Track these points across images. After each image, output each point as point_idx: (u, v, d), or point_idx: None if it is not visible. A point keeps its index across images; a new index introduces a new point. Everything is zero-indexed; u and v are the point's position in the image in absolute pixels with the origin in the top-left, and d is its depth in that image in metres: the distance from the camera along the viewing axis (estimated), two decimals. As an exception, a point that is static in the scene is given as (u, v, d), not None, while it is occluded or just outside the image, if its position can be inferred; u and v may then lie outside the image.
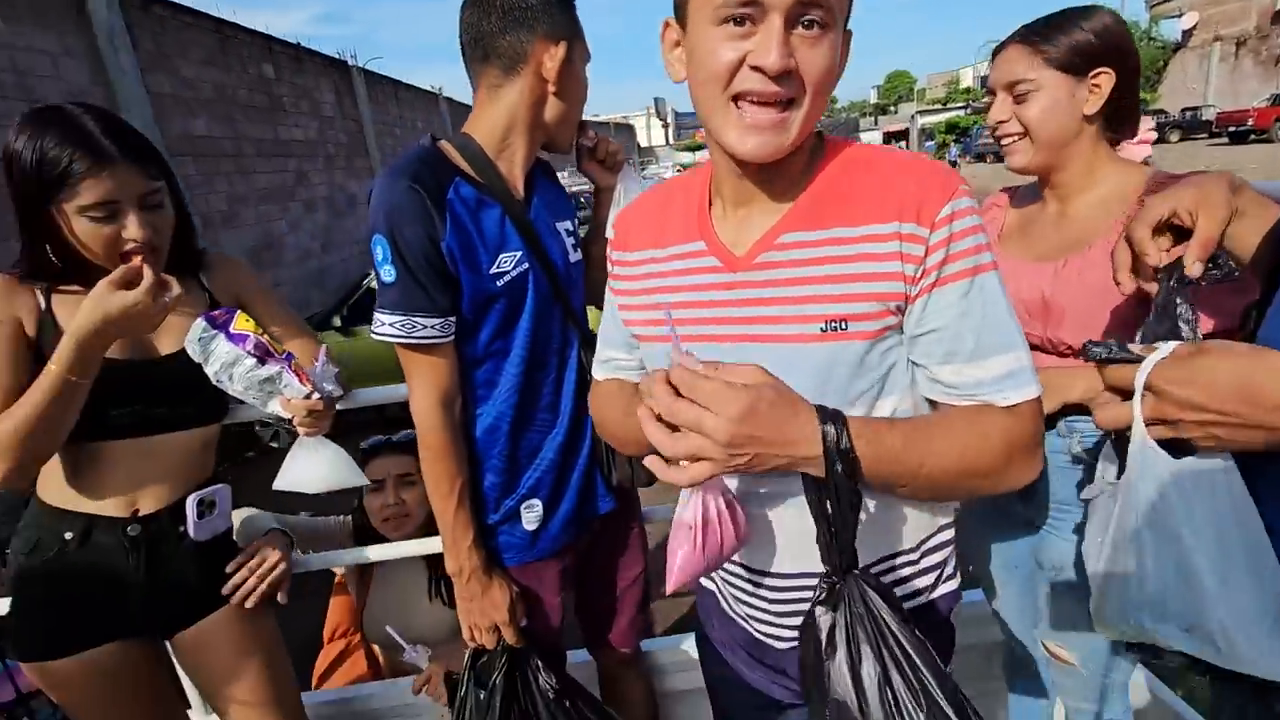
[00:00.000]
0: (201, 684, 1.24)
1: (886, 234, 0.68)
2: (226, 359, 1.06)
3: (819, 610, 0.68)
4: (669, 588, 0.69)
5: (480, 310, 1.04)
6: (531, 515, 1.13)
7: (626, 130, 43.31)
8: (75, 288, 1.06)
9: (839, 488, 0.64)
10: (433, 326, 1.01)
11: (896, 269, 0.68)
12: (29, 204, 0.99)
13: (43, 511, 1.09)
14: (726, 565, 0.85)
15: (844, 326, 0.70)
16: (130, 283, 0.99)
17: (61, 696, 1.12)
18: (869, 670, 0.65)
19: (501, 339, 1.07)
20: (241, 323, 1.08)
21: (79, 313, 0.98)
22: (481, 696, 1.15)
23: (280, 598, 1.26)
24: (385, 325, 1.02)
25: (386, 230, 0.98)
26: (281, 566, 1.24)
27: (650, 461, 0.63)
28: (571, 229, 1.17)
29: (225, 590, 1.19)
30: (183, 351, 1.09)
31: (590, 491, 1.19)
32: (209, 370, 1.07)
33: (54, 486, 1.08)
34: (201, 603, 1.18)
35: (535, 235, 1.07)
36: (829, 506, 0.65)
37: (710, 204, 0.80)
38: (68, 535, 1.07)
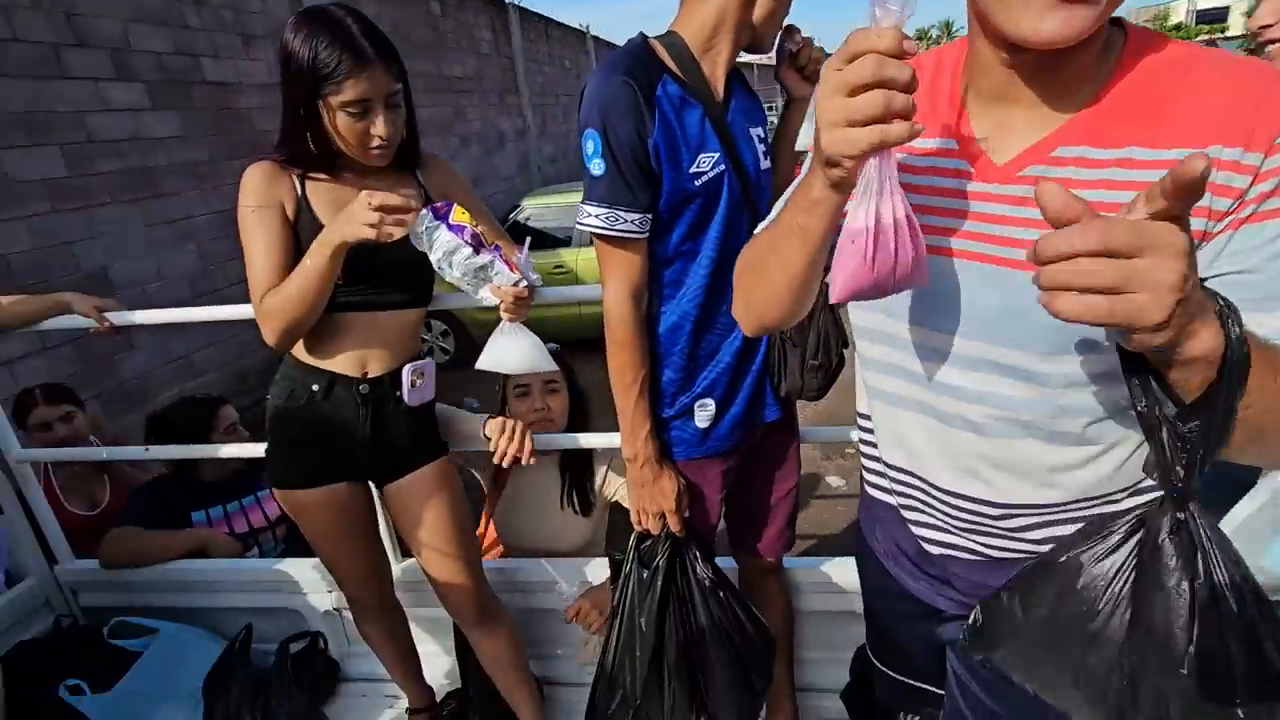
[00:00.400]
0: (403, 529, 1.43)
1: None
2: (448, 247, 1.18)
3: (1168, 542, 0.59)
4: (834, 297, 0.63)
5: (676, 210, 1.08)
6: (704, 414, 1.19)
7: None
8: (322, 175, 1.21)
9: (1233, 377, 0.50)
10: (632, 221, 1.06)
11: (1203, 204, 0.56)
12: (300, 97, 1.13)
13: (296, 367, 1.29)
14: (907, 479, 0.83)
15: None
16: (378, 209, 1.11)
17: (301, 521, 1.36)
18: (1231, 615, 0.57)
19: (692, 240, 1.11)
20: (459, 214, 1.19)
21: (336, 221, 1.12)
22: (644, 575, 1.25)
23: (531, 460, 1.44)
24: (589, 216, 1.08)
25: (600, 124, 1.03)
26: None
27: (1056, 300, 0.47)
28: (763, 135, 1.17)
29: (496, 459, 1.39)
30: (405, 240, 1.22)
31: (760, 398, 1.24)
32: (432, 257, 1.20)
33: (305, 348, 1.28)
34: (410, 459, 1.37)
35: (731, 138, 1.09)
36: (1205, 407, 0.52)
37: (964, 95, 0.68)
38: (315, 387, 1.27)
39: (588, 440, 1.59)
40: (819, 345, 1.18)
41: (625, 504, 1.71)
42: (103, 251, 4.12)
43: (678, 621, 1.25)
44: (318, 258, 1.14)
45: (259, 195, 1.18)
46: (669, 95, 1.04)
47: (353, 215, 1.10)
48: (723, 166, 1.08)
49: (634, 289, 1.11)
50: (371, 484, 1.42)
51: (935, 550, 0.84)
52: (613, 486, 1.73)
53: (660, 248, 1.12)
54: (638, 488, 1.21)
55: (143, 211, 4.39)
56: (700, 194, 1.07)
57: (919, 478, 0.81)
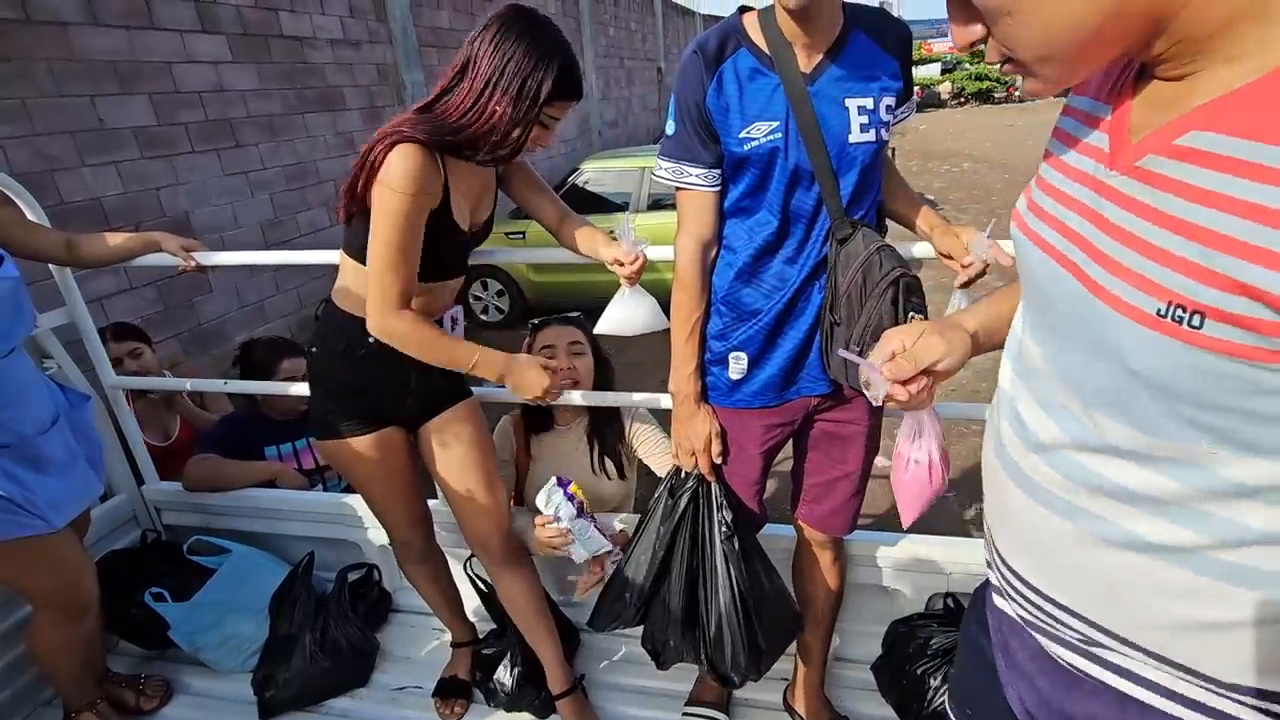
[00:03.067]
0: (433, 468, 1.48)
1: None
2: (559, 509, 1.41)
3: None
4: (906, 521, 0.84)
5: (733, 170, 1.16)
6: (737, 366, 1.25)
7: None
8: (458, 159, 1.22)
9: None
10: (697, 175, 1.16)
11: None
12: (528, 105, 1.16)
13: (351, 323, 1.31)
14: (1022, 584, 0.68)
15: (1194, 322, 0.45)
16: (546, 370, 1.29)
17: (355, 468, 1.42)
18: None
19: (750, 199, 1.16)
20: (575, 488, 1.43)
21: (512, 375, 1.28)
22: (669, 504, 1.34)
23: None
24: (661, 170, 1.20)
25: (676, 89, 1.15)
26: None
27: None
28: (869, 107, 1.11)
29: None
30: (469, 230, 1.32)
31: (798, 369, 1.24)
32: (546, 510, 1.42)
33: (362, 306, 1.31)
34: (443, 401, 1.45)
35: (808, 109, 1.08)
36: None
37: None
38: (370, 339, 1.31)
39: (613, 399, 1.64)
40: (865, 333, 1.12)
41: (649, 461, 1.76)
42: (185, 198, 4.34)
43: (687, 552, 1.33)
44: (465, 360, 1.26)
45: (420, 185, 1.15)
46: (737, 66, 1.10)
47: (528, 384, 1.28)
48: (779, 135, 1.10)
49: (699, 237, 1.20)
50: (408, 429, 1.47)
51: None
52: (639, 438, 1.78)
53: (725, 203, 1.20)
54: (677, 423, 1.31)
55: (221, 161, 4.59)
56: (749, 159, 1.12)
57: (1009, 567, 0.68)
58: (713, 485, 1.32)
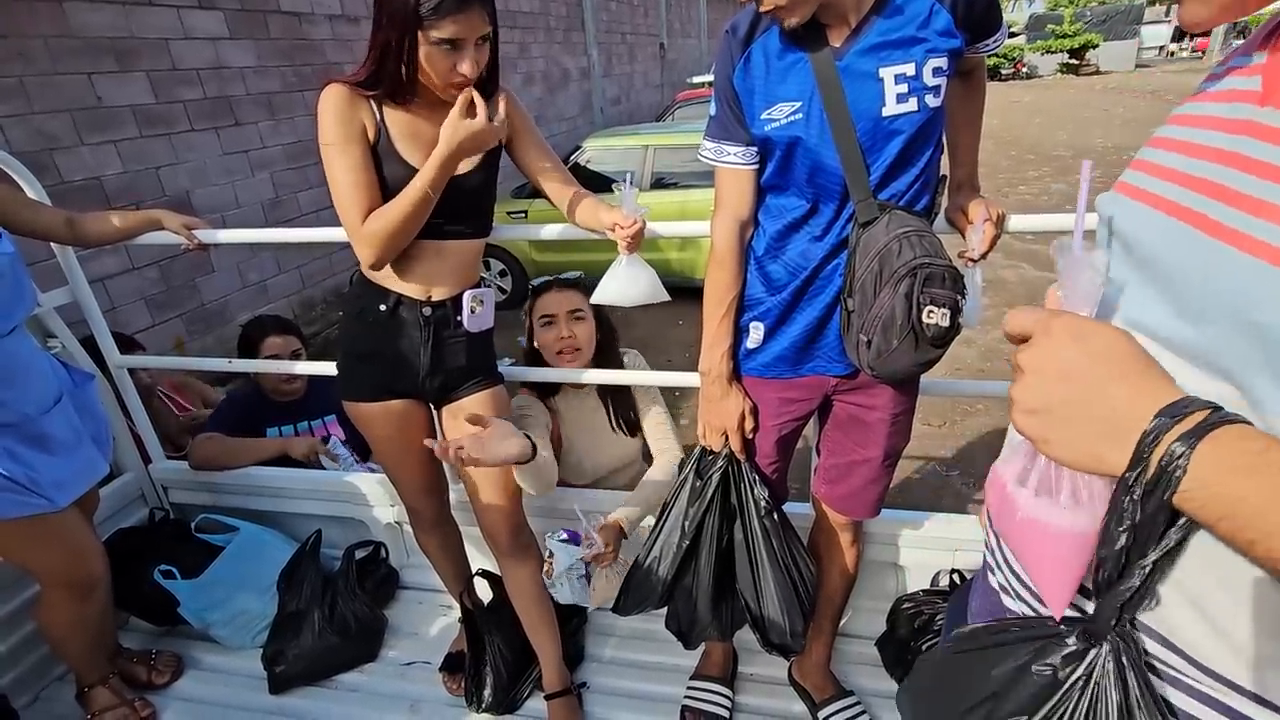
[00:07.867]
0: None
1: None
2: (555, 555, 1.42)
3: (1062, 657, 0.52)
4: (1060, 608, 0.56)
5: (762, 148, 1.15)
6: (755, 335, 1.25)
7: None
8: (399, 104, 1.23)
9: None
10: (735, 154, 1.16)
11: None
12: (397, 26, 1.12)
13: (367, 287, 1.35)
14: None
15: None
16: (470, 113, 1.18)
17: (365, 431, 1.45)
18: None
19: (779, 177, 1.16)
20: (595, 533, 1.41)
21: (441, 139, 1.17)
22: (697, 485, 1.32)
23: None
24: (704, 149, 1.21)
25: (714, 68, 1.16)
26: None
27: None
28: (910, 74, 1.02)
29: None
30: (472, 171, 1.29)
31: (812, 345, 1.23)
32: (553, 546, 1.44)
33: (376, 269, 1.33)
34: (466, 383, 1.43)
35: (835, 86, 1.04)
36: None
37: None
38: (382, 306, 1.33)
39: (640, 378, 1.64)
40: (879, 323, 1.07)
41: (650, 441, 1.75)
42: (186, 177, 4.31)
43: (717, 531, 1.32)
44: (420, 189, 1.19)
45: (342, 119, 1.20)
46: (767, 44, 1.09)
47: (457, 123, 1.17)
48: (800, 116, 1.07)
49: (736, 215, 1.20)
50: (431, 405, 1.48)
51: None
52: (646, 416, 1.78)
53: (761, 180, 1.20)
54: (706, 403, 1.29)
55: (220, 140, 4.55)
56: (771, 140, 1.11)
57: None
58: (743, 464, 1.30)
